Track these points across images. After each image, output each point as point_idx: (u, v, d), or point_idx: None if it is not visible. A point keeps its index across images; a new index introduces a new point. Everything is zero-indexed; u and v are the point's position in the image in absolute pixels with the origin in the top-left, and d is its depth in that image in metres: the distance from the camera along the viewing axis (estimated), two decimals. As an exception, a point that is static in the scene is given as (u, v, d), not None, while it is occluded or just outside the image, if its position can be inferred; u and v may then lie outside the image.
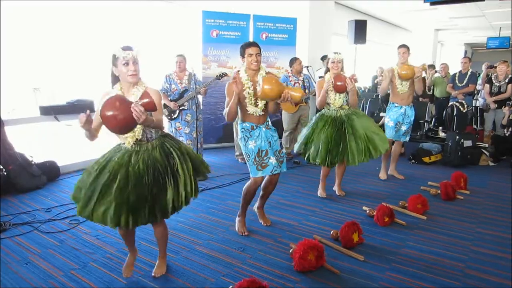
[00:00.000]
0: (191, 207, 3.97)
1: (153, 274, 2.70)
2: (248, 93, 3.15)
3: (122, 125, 2.12)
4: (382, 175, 5.11)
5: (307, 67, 6.22)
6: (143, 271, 2.77)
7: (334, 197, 4.34)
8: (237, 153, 6.07)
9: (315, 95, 5.93)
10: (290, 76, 5.85)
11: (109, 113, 2.07)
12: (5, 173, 4.45)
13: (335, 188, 4.51)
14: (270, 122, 3.36)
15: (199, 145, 5.31)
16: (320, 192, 4.40)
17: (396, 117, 4.81)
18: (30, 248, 3.13)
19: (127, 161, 2.35)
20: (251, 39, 6.92)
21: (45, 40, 5.15)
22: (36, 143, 5.07)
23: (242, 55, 3.20)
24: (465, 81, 7.16)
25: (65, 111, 5.13)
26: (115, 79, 2.41)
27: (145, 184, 2.33)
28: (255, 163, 3.21)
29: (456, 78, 7.29)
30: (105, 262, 2.91)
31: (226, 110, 3.14)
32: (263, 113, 3.22)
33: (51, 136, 5.21)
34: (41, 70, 5.20)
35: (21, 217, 3.75)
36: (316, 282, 2.65)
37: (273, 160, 3.22)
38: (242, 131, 3.26)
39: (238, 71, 3.24)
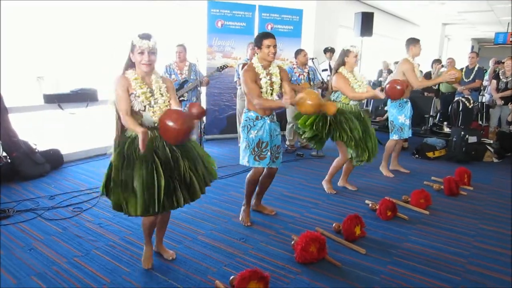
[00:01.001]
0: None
1: (171, 258, 2.79)
2: (266, 82, 3.16)
3: (182, 138, 2.26)
4: (386, 172, 5.05)
5: (313, 59, 6.18)
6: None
7: (337, 190, 4.33)
8: (240, 144, 6.06)
9: (320, 87, 5.94)
10: (295, 68, 5.82)
11: (172, 125, 2.18)
12: (9, 160, 4.47)
13: (343, 184, 4.48)
14: (275, 115, 3.37)
15: (195, 136, 5.28)
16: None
17: (409, 114, 4.77)
18: (34, 234, 3.15)
19: (157, 146, 2.39)
20: (256, 30, 6.88)
21: (49, 29, 5.14)
22: (39, 131, 5.08)
23: (258, 45, 3.16)
24: (471, 77, 7.10)
25: (69, 100, 5.13)
26: (131, 65, 2.43)
27: (181, 162, 2.41)
28: (253, 153, 3.24)
29: (463, 73, 7.23)
30: (108, 250, 2.92)
31: (262, 103, 3.11)
32: None
33: (55, 124, 5.22)
34: (45, 59, 5.19)
35: (25, 204, 3.77)
36: (317, 274, 2.65)
37: (268, 153, 3.26)
38: (246, 120, 3.27)
39: (248, 62, 3.24)
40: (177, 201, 2.39)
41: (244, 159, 3.31)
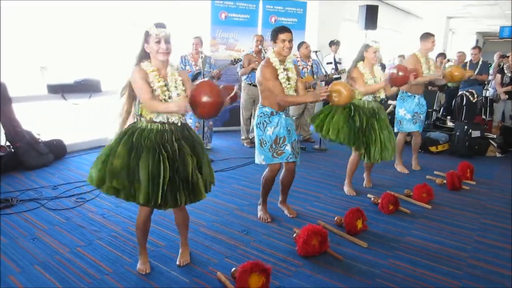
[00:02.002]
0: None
1: (177, 263, 2.64)
2: (283, 78, 3.10)
3: (216, 111, 2.22)
4: (401, 168, 4.98)
5: (316, 52, 6.15)
6: (147, 250, 2.79)
7: (339, 184, 4.33)
8: (242, 137, 6.07)
9: (323, 80, 5.91)
10: (298, 61, 5.79)
11: (207, 99, 2.13)
12: (12, 150, 4.49)
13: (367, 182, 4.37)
14: (288, 110, 3.32)
15: (206, 129, 5.30)
16: (348, 190, 4.10)
17: (413, 108, 4.67)
18: (37, 224, 3.17)
19: (165, 140, 2.32)
20: (260, 22, 6.84)
21: (53, 19, 5.11)
22: (43, 121, 5.09)
23: (274, 39, 3.11)
24: (476, 71, 7.04)
25: (73, 90, 5.13)
26: (144, 56, 2.35)
27: (190, 160, 2.34)
28: (270, 150, 3.15)
29: (467, 68, 7.18)
30: (111, 240, 2.94)
31: (287, 99, 3.09)
32: None
33: (58, 114, 5.22)
34: (48, 49, 5.18)
35: (28, 194, 3.78)
36: (319, 267, 2.66)
37: (289, 148, 3.17)
38: (261, 116, 3.16)
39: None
40: (180, 199, 2.31)
41: (259, 158, 3.22)
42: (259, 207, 3.47)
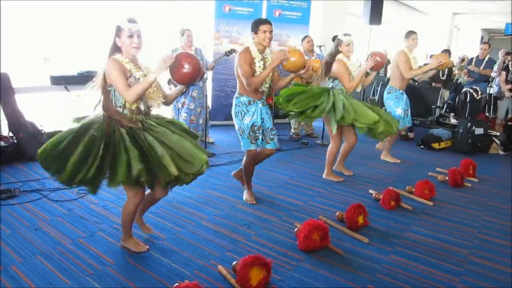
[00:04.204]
0: (197, 182, 3.97)
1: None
2: (259, 66, 3.27)
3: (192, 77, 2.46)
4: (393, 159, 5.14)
5: (320, 46, 6.11)
6: (148, 243, 2.81)
7: (338, 176, 4.33)
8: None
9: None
10: (302, 55, 5.76)
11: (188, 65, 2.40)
12: (15, 141, 4.50)
13: (340, 169, 4.52)
14: (265, 99, 3.49)
15: (201, 121, 5.28)
16: (334, 177, 4.34)
17: (404, 105, 4.83)
18: (39, 215, 3.18)
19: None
20: (264, 16, 6.80)
21: (57, 10, 5.10)
22: (46, 113, 5.09)
23: (255, 30, 3.28)
24: (481, 68, 7.00)
25: (76, 82, 5.10)
26: (115, 50, 2.46)
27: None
28: (249, 137, 3.36)
29: (473, 64, 7.14)
30: (112, 232, 2.95)
31: (254, 79, 3.21)
32: (267, 88, 3.39)
33: (61, 106, 5.22)
34: (52, 40, 5.17)
35: (30, 185, 3.80)
36: (319, 261, 2.67)
37: (260, 135, 3.40)
38: (239, 106, 3.35)
39: (248, 46, 3.31)
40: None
41: (243, 145, 3.44)
42: (245, 191, 3.65)
